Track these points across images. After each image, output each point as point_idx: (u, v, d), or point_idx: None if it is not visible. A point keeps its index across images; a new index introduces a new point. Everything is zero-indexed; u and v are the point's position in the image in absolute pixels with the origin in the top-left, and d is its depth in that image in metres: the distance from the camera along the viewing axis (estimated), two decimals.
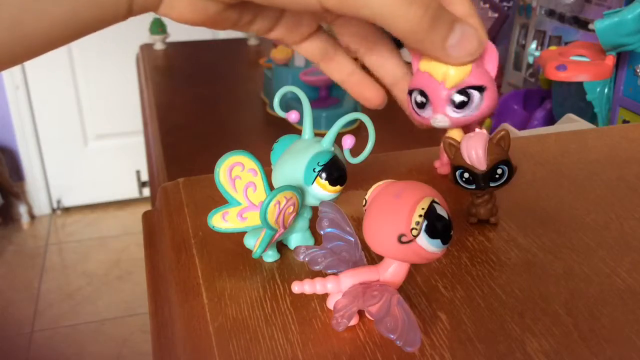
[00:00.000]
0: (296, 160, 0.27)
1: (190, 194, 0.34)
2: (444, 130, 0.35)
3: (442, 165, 0.37)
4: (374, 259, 0.28)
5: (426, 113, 0.33)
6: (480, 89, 0.32)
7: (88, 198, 2.11)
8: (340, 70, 0.34)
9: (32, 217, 2.07)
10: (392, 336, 0.21)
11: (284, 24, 0.33)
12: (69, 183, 2.07)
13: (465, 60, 0.30)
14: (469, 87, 0.32)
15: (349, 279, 0.23)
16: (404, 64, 0.35)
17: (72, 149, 2.03)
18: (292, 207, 0.26)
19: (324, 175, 0.27)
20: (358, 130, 0.73)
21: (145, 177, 1.92)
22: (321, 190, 0.27)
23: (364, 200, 0.23)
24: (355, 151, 0.28)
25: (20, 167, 2.02)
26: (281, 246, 0.29)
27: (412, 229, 0.21)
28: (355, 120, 0.30)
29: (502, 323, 0.24)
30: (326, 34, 0.35)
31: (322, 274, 0.24)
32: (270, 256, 0.29)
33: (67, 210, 2.11)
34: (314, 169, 0.27)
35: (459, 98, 0.32)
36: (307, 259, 0.25)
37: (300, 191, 0.27)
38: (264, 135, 0.75)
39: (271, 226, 0.26)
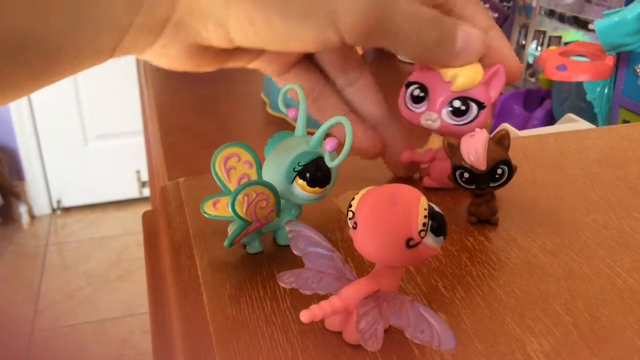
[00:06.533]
0: (281, 157, 0.27)
1: (190, 194, 0.34)
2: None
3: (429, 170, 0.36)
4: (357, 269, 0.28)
5: (420, 109, 0.33)
6: (480, 105, 0.32)
7: (88, 198, 2.11)
8: (328, 112, 0.33)
9: (32, 217, 2.07)
10: (427, 341, 0.20)
11: (267, 55, 0.32)
12: (69, 183, 2.07)
13: (470, 61, 0.31)
14: (471, 99, 0.32)
15: (352, 295, 0.23)
16: (381, 99, 0.34)
17: (72, 149, 2.03)
18: (265, 202, 0.26)
19: (302, 175, 0.27)
20: None
21: (145, 177, 1.92)
22: (301, 191, 0.27)
23: (350, 213, 0.23)
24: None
25: (20, 167, 2.03)
26: (281, 246, 0.29)
27: (421, 230, 0.21)
28: None
29: (502, 323, 0.24)
30: (312, 67, 0.34)
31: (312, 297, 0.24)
32: (253, 247, 0.29)
33: (67, 210, 2.12)
34: (294, 169, 0.27)
35: (458, 104, 0.32)
36: (295, 286, 0.23)
37: (274, 188, 0.27)
38: (264, 135, 0.75)
39: (242, 217, 0.26)
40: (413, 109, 0.33)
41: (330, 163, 0.27)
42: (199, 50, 0.28)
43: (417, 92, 0.33)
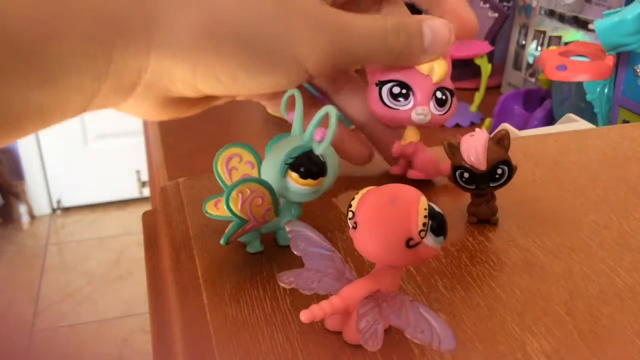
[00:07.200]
0: (276, 154, 0.28)
1: (190, 194, 0.34)
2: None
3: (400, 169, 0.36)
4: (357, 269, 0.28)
5: (406, 105, 0.33)
6: (452, 92, 0.33)
7: (88, 198, 2.10)
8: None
9: (32, 217, 2.07)
10: (427, 341, 0.20)
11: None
12: (69, 183, 2.07)
13: (442, 53, 0.31)
14: (446, 88, 0.33)
15: (352, 295, 0.23)
16: None
17: (72, 149, 2.03)
18: (260, 200, 0.26)
19: (294, 168, 0.27)
20: None
21: (145, 177, 1.92)
22: (294, 184, 0.27)
23: (350, 213, 0.23)
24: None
25: (20, 167, 2.02)
26: (281, 247, 0.29)
27: (421, 231, 0.21)
28: None
29: (502, 323, 0.24)
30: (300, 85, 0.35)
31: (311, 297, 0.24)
32: (253, 247, 0.29)
33: (67, 210, 2.11)
34: (285, 162, 0.27)
35: (440, 95, 0.32)
36: (295, 286, 0.23)
37: (269, 185, 0.27)
38: (264, 135, 0.75)
39: (237, 215, 0.26)
40: (396, 107, 0.33)
41: (317, 150, 0.27)
42: (174, 101, 0.29)
43: (397, 90, 0.32)
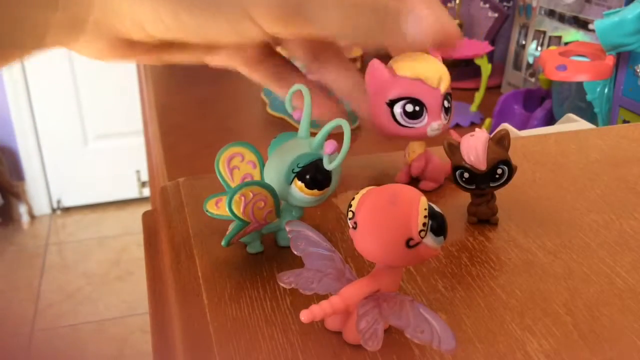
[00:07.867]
0: (282, 158, 0.27)
1: (190, 194, 0.34)
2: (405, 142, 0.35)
3: (402, 175, 0.35)
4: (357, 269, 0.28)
5: (421, 123, 0.32)
6: (451, 96, 0.33)
7: (88, 198, 2.11)
8: (291, 83, 0.31)
9: (32, 217, 2.07)
10: (427, 341, 0.20)
11: (224, 51, 0.32)
12: (69, 183, 2.07)
13: (426, 44, 0.28)
14: (449, 94, 0.32)
15: (352, 295, 0.23)
16: (357, 74, 0.33)
17: (72, 149, 2.03)
18: (262, 203, 0.26)
19: (301, 177, 0.27)
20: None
21: (145, 177, 1.92)
22: (299, 192, 0.27)
23: (350, 213, 0.23)
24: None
25: (20, 167, 2.02)
26: (281, 247, 0.29)
27: (421, 230, 0.21)
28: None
29: (502, 323, 0.24)
30: (279, 57, 0.33)
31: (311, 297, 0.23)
32: (253, 247, 0.29)
33: (67, 210, 2.11)
34: (292, 170, 0.27)
35: (447, 104, 0.32)
36: (295, 286, 0.23)
37: (272, 188, 0.27)
38: (263, 135, 0.75)
39: (239, 217, 0.26)
40: (411, 125, 0.32)
41: (328, 165, 0.27)
42: (125, 44, 0.28)
43: (411, 108, 0.32)
